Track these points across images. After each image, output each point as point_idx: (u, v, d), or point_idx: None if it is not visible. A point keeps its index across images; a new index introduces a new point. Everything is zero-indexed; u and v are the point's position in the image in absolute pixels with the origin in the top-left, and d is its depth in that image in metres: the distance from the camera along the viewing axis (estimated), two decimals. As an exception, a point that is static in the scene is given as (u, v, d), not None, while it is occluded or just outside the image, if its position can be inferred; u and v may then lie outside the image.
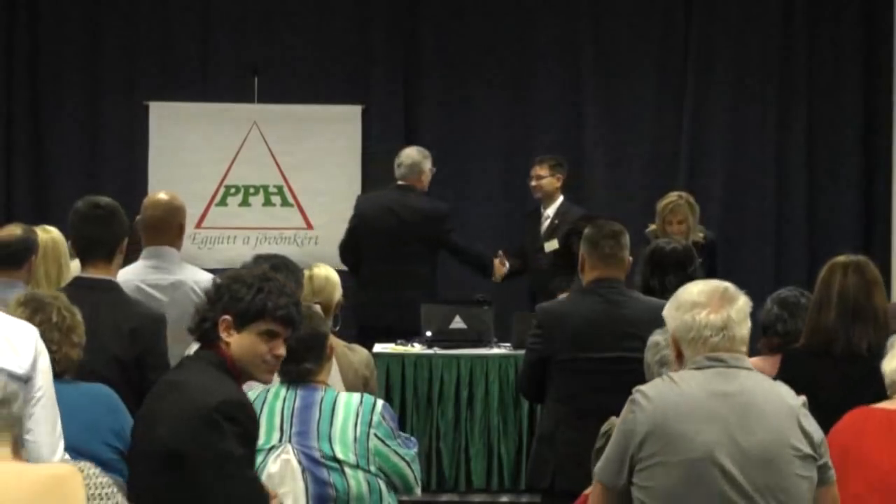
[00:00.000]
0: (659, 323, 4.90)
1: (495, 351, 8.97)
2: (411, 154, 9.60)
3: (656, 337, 4.89)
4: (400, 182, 9.55)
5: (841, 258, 5.38)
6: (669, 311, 3.99)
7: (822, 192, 11.01)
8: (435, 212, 9.47)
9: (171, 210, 6.32)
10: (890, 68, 10.73)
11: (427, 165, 9.60)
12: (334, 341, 5.59)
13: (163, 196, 6.44)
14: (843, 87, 11.00)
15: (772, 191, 10.98)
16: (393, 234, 9.40)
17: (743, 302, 3.96)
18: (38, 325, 4.41)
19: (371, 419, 4.87)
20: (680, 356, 3.97)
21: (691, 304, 3.93)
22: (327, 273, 6.12)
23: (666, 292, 6.28)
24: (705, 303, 3.91)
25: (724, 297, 3.93)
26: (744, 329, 3.92)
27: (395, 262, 9.39)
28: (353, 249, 9.57)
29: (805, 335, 5.30)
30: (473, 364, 8.89)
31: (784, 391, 3.94)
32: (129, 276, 5.96)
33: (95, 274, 5.47)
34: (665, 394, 3.88)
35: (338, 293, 6.13)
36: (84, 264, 5.53)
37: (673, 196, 9.18)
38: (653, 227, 9.18)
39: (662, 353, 4.82)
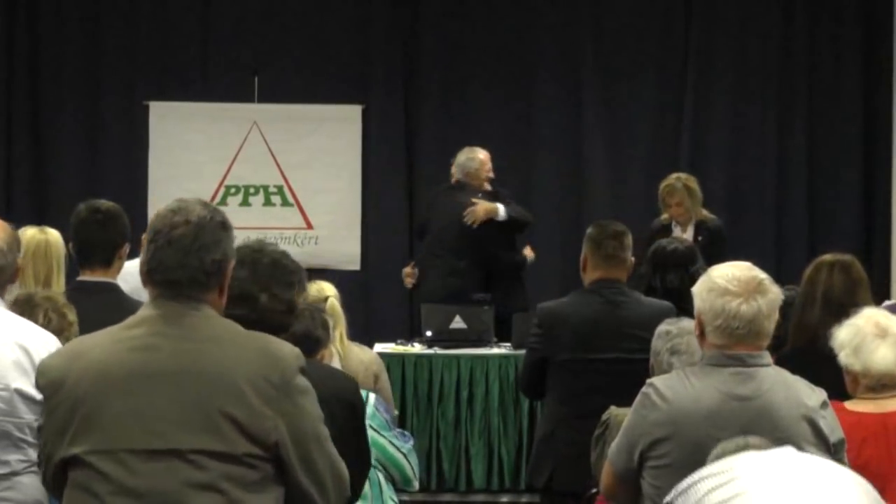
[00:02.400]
0: (658, 324, 4.92)
1: (495, 351, 8.97)
2: (469, 153, 9.64)
3: (667, 326, 4.89)
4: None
5: (827, 257, 5.39)
6: (700, 290, 3.95)
7: (822, 192, 11.01)
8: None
9: None
10: (890, 68, 10.73)
11: (474, 165, 9.55)
12: (348, 345, 5.63)
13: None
14: (843, 87, 10.99)
15: (772, 191, 10.98)
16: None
17: (774, 293, 3.92)
18: None
19: (366, 411, 4.87)
20: (703, 335, 3.95)
21: (723, 289, 3.88)
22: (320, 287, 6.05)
23: (667, 292, 6.31)
24: (738, 292, 3.87)
25: (759, 288, 3.89)
26: (771, 323, 3.90)
27: None
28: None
29: (791, 335, 5.31)
30: (473, 364, 8.89)
31: (802, 388, 3.92)
32: (132, 266, 6.04)
33: (93, 277, 5.46)
34: (680, 395, 3.87)
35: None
36: (82, 268, 5.54)
37: (672, 178, 9.26)
38: (664, 216, 9.28)
39: (674, 341, 4.81)
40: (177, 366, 3.25)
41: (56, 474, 3.31)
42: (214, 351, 3.27)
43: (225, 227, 3.39)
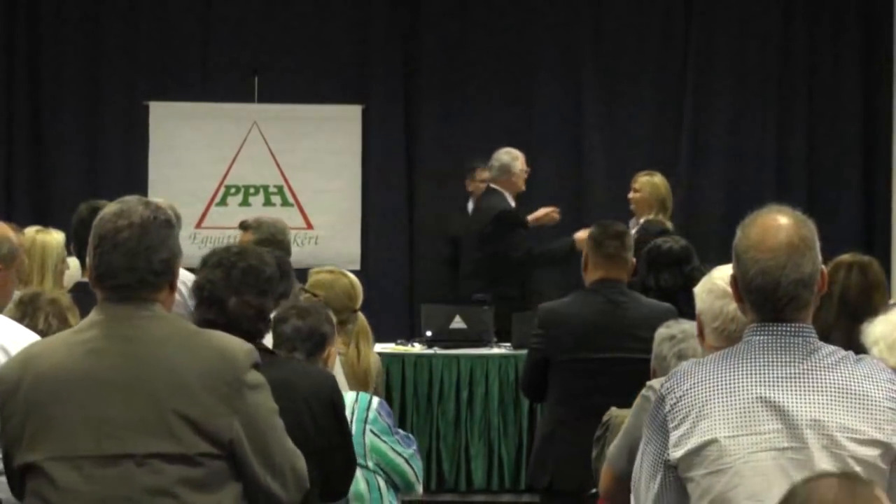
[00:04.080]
0: (659, 324, 4.91)
1: (495, 351, 8.97)
2: (500, 157, 9.58)
3: (669, 330, 4.87)
4: (490, 185, 9.62)
5: (846, 257, 5.35)
6: (701, 291, 3.93)
7: (822, 192, 11.01)
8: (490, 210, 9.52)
9: None
10: (890, 68, 10.73)
11: (518, 166, 9.58)
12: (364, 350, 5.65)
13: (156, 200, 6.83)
14: (843, 87, 10.99)
15: (772, 191, 10.96)
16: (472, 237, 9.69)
17: None
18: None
19: (367, 416, 4.86)
20: (703, 335, 3.94)
21: (722, 291, 3.87)
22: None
23: (662, 291, 6.30)
24: None
25: None
26: None
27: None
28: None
29: None
30: (473, 364, 8.89)
31: None
32: None
33: None
34: None
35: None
36: (84, 268, 5.53)
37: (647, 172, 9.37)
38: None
39: (680, 346, 4.79)
40: (129, 368, 3.24)
41: (17, 481, 3.30)
42: (166, 352, 3.27)
43: (170, 224, 3.39)
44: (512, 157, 9.63)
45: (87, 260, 3.36)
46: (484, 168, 9.96)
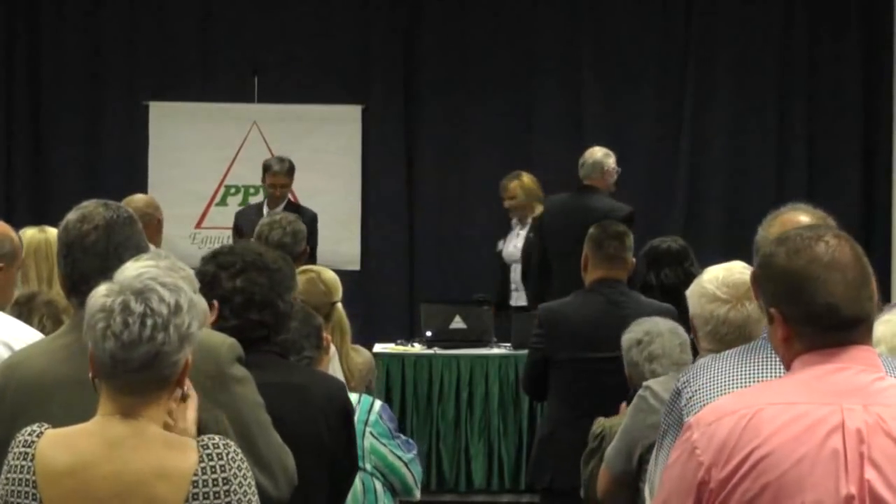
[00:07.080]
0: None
1: (495, 351, 8.98)
2: (594, 153, 9.26)
3: (635, 335, 4.88)
4: (585, 182, 9.17)
5: None
6: (692, 294, 3.94)
7: (823, 193, 10.99)
8: (614, 212, 8.91)
9: (140, 208, 6.74)
10: (890, 69, 10.74)
11: (610, 164, 9.19)
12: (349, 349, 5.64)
13: (135, 196, 7.34)
14: (843, 87, 11.00)
15: (772, 191, 10.97)
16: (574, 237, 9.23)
17: None
18: None
19: (368, 418, 4.86)
20: (698, 337, 3.95)
21: (712, 295, 3.88)
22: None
23: (664, 288, 6.33)
24: (727, 298, 3.86)
25: (748, 293, 3.89)
26: (761, 326, 3.90)
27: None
28: (538, 252, 9.10)
29: None
30: (473, 364, 8.89)
31: None
32: None
33: None
34: None
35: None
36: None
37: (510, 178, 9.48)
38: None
39: (649, 348, 4.82)
40: None
41: None
42: None
43: (132, 220, 3.42)
44: (605, 154, 9.19)
45: (58, 270, 3.37)
46: (278, 173, 9.47)
